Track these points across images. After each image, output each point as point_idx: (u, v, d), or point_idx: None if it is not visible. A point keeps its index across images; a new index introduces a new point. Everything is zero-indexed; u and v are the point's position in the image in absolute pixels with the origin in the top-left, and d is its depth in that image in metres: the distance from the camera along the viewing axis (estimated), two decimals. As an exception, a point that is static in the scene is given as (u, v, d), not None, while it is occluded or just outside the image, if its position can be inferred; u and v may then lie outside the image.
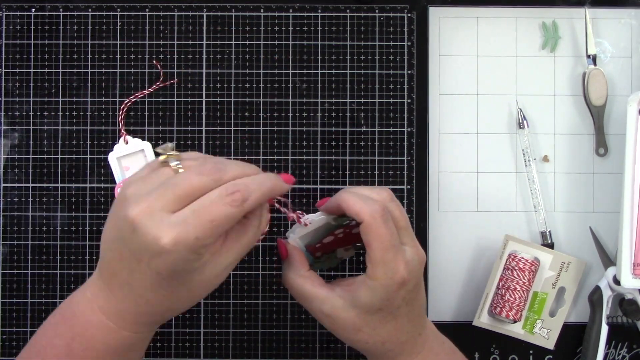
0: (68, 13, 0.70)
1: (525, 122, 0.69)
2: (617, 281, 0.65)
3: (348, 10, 0.70)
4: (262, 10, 0.70)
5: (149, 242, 0.44)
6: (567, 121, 0.70)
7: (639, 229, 0.64)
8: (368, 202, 0.51)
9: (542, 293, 0.68)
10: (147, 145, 0.69)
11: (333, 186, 0.69)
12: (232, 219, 0.46)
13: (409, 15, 0.70)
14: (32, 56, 0.69)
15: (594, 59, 0.69)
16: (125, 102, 0.69)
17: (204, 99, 0.69)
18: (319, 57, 0.69)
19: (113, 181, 0.69)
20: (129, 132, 0.69)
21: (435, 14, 0.70)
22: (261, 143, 0.69)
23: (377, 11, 0.70)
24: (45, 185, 0.69)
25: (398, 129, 0.69)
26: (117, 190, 0.68)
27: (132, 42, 0.70)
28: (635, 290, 0.66)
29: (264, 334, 0.69)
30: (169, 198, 0.45)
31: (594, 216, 0.69)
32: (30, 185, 0.69)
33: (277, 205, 0.54)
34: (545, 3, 0.70)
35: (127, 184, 0.48)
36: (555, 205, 0.69)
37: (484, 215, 0.69)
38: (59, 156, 0.69)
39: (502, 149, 0.69)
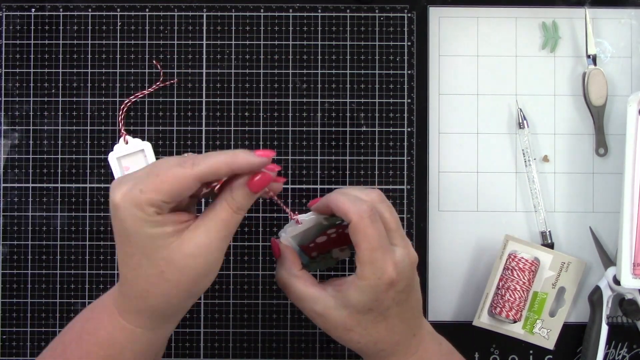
0: (68, 13, 0.70)
1: (525, 122, 0.69)
2: (617, 281, 0.65)
3: (348, 10, 0.70)
4: (262, 10, 0.70)
5: (110, 201, 0.47)
6: (567, 121, 0.70)
7: (639, 229, 0.64)
8: (356, 203, 0.51)
9: (542, 293, 0.68)
10: (147, 145, 0.69)
11: (333, 186, 0.69)
12: (180, 179, 0.46)
13: (409, 15, 0.70)
14: (32, 56, 0.69)
15: (594, 59, 0.69)
16: (125, 102, 0.69)
17: (204, 99, 0.69)
18: (319, 57, 0.69)
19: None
20: (129, 132, 0.69)
21: (435, 14, 0.70)
22: (261, 143, 0.69)
23: (377, 11, 0.70)
24: (45, 185, 0.69)
25: (398, 129, 0.69)
26: (117, 190, 0.68)
27: (132, 42, 0.70)
28: (635, 290, 0.66)
29: (264, 334, 0.69)
30: (143, 170, 0.48)
31: (594, 216, 0.69)
32: (30, 185, 0.69)
33: (273, 197, 0.54)
34: (545, 3, 0.70)
35: None
36: (555, 205, 0.69)
37: (484, 215, 0.69)
38: (59, 156, 0.69)
39: (502, 149, 0.69)
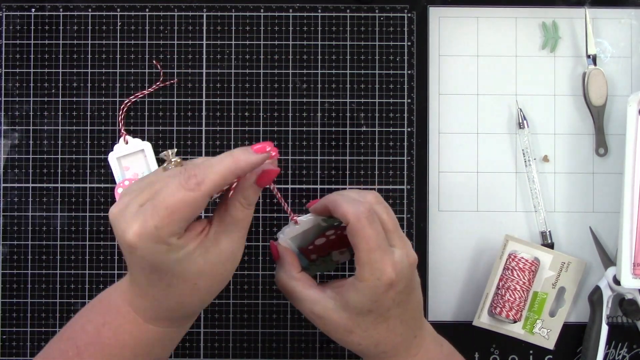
0: (68, 13, 0.70)
1: (525, 122, 0.69)
2: (617, 281, 0.65)
3: (348, 10, 0.70)
4: (262, 10, 0.70)
5: (120, 237, 0.46)
6: (567, 121, 0.70)
7: (639, 229, 0.64)
8: (354, 204, 0.51)
9: (542, 293, 0.68)
10: (147, 145, 0.69)
11: (333, 186, 0.69)
12: (190, 204, 0.45)
13: (409, 15, 0.70)
14: (32, 56, 0.69)
15: (594, 59, 0.69)
16: (125, 102, 0.69)
17: (204, 99, 0.69)
18: (319, 57, 0.69)
19: (113, 181, 0.69)
20: (129, 132, 0.69)
21: (435, 14, 0.70)
22: (261, 143, 0.69)
23: (377, 11, 0.70)
24: (45, 185, 0.69)
25: (398, 129, 0.69)
26: (118, 191, 0.68)
27: (132, 42, 0.70)
28: (635, 290, 0.66)
29: (264, 334, 0.69)
30: (143, 196, 0.46)
31: (594, 216, 0.69)
32: (30, 185, 0.69)
33: (273, 190, 0.55)
34: (545, 3, 0.70)
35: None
36: (555, 205, 0.69)
37: (484, 215, 0.69)
38: (59, 156, 0.69)
39: (502, 149, 0.69)
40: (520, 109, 0.69)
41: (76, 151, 0.69)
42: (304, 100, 0.69)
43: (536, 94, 0.70)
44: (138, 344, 0.51)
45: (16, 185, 0.69)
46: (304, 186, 0.69)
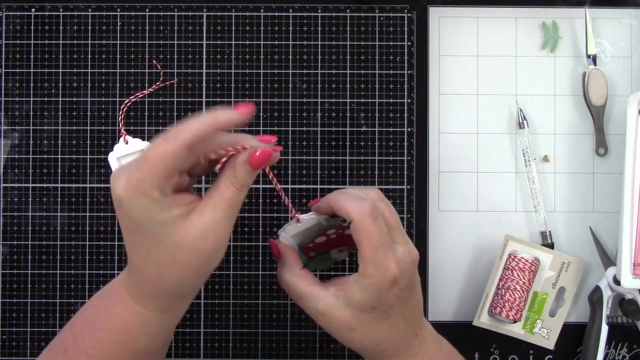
0: (68, 13, 0.70)
1: (525, 122, 0.69)
2: (617, 281, 0.65)
3: (348, 10, 0.70)
4: (262, 10, 0.70)
5: (112, 194, 0.47)
6: (567, 121, 0.70)
7: (639, 229, 0.64)
8: (357, 201, 0.51)
9: (542, 293, 0.68)
10: (147, 145, 0.69)
11: (333, 186, 0.69)
12: (169, 154, 0.46)
13: (409, 15, 0.70)
14: (32, 56, 0.69)
15: (594, 59, 0.69)
16: (125, 102, 0.69)
17: (204, 99, 0.69)
18: (319, 57, 0.69)
19: (113, 181, 0.69)
20: (129, 132, 0.69)
21: (435, 14, 0.70)
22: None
23: (377, 11, 0.70)
24: (45, 185, 0.69)
25: (398, 129, 0.69)
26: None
27: (132, 42, 0.70)
28: (635, 290, 0.66)
29: (264, 334, 0.69)
30: (134, 164, 0.48)
31: (594, 216, 0.69)
32: (30, 185, 0.69)
33: (269, 174, 0.54)
34: (545, 3, 0.70)
35: None
36: (555, 205, 0.69)
37: (484, 215, 0.69)
38: (59, 156, 0.69)
39: (502, 149, 0.69)
40: (520, 109, 0.69)
41: (76, 151, 0.69)
42: (304, 100, 0.69)
43: (536, 94, 0.70)
44: (126, 328, 0.51)
45: (16, 185, 0.69)
46: (304, 186, 0.69)
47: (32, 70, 0.69)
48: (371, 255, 0.50)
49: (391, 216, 0.53)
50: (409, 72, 0.70)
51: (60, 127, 0.69)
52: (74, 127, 0.69)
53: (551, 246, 0.68)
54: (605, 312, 0.66)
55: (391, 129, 0.69)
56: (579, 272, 0.68)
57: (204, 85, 0.69)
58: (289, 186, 0.69)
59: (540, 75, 0.70)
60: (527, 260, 0.66)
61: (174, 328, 0.55)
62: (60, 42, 0.70)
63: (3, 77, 0.69)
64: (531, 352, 0.69)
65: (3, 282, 0.69)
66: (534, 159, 0.69)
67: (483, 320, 0.68)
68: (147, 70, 0.69)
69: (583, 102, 0.69)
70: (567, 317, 0.68)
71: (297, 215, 0.56)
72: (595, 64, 0.69)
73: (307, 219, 0.56)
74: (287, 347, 0.69)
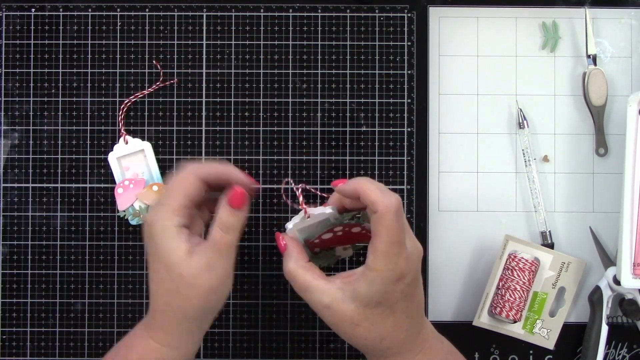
0: (68, 13, 0.70)
1: (525, 122, 0.69)
2: (617, 281, 0.65)
3: (348, 10, 0.70)
4: (262, 10, 0.70)
5: (144, 224, 0.54)
6: (567, 121, 0.70)
7: (639, 229, 0.64)
8: (385, 194, 0.52)
9: (542, 293, 0.68)
10: (147, 145, 0.69)
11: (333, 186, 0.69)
12: (184, 180, 0.54)
13: (409, 15, 0.70)
14: (32, 56, 0.69)
15: (594, 59, 0.69)
16: (125, 102, 0.69)
17: (204, 99, 0.69)
18: (319, 57, 0.69)
19: (113, 181, 0.69)
20: (129, 132, 0.69)
21: (435, 14, 0.70)
22: (261, 143, 0.69)
23: (377, 11, 0.70)
24: (45, 185, 0.69)
25: (398, 129, 0.69)
26: (117, 191, 0.68)
27: (132, 42, 0.70)
28: (635, 290, 0.66)
29: (264, 334, 0.69)
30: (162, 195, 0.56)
31: (594, 216, 0.69)
32: (30, 185, 0.69)
33: (290, 183, 0.55)
34: (545, 3, 0.70)
35: None
36: (555, 205, 0.69)
37: (484, 215, 0.69)
38: (59, 156, 0.69)
39: (502, 149, 0.69)
40: (520, 109, 0.69)
41: (76, 151, 0.69)
42: (304, 100, 0.69)
43: (536, 94, 0.70)
44: None
45: (16, 185, 0.69)
46: (304, 186, 0.69)
47: (32, 70, 0.69)
48: (386, 249, 0.51)
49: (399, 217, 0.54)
50: (409, 72, 0.70)
51: (60, 127, 0.69)
52: (74, 127, 0.69)
53: (551, 246, 0.68)
54: (605, 312, 0.66)
55: (391, 129, 0.69)
56: (579, 272, 0.68)
57: (204, 85, 0.69)
58: (289, 186, 0.69)
59: (540, 75, 0.70)
60: (527, 260, 0.66)
61: None
62: (60, 42, 0.70)
63: (3, 77, 0.69)
64: (531, 352, 0.69)
65: (3, 282, 0.69)
66: (534, 159, 0.69)
67: (483, 320, 0.68)
68: (147, 70, 0.69)
69: (583, 102, 0.69)
70: (567, 317, 0.68)
71: (305, 209, 0.55)
72: (595, 64, 0.69)
73: (316, 214, 0.56)
74: (287, 347, 0.69)
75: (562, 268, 0.67)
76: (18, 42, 0.69)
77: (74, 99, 0.69)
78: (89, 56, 0.69)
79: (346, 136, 0.69)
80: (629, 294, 0.66)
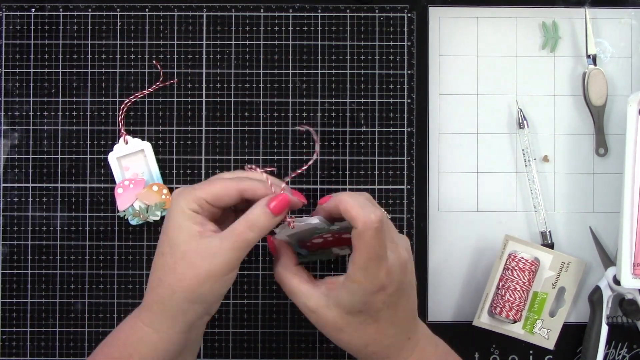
0: (68, 13, 0.70)
1: (525, 122, 0.69)
2: (617, 281, 0.65)
3: (348, 10, 0.70)
4: (262, 10, 0.70)
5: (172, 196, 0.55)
6: (567, 121, 0.70)
7: (639, 229, 0.64)
8: (366, 210, 0.51)
9: (542, 293, 0.68)
10: (147, 145, 0.69)
11: (333, 186, 0.69)
12: (226, 186, 0.53)
13: (409, 15, 0.70)
14: (32, 56, 0.69)
15: (594, 59, 0.69)
16: (125, 102, 0.69)
17: (204, 99, 0.69)
18: (319, 57, 0.69)
19: (113, 181, 0.69)
20: (129, 132, 0.69)
21: (435, 14, 0.70)
22: (261, 143, 0.69)
23: (377, 11, 0.70)
24: (45, 185, 0.69)
25: (398, 129, 0.69)
26: (117, 191, 0.68)
27: (132, 42, 0.70)
28: (635, 290, 0.66)
29: (264, 334, 0.69)
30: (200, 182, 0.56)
31: (594, 216, 0.69)
32: (30, 185, 0.69)
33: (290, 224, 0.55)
34: (545, 3, 0.70)
35: None
36: (555, 205, 0.69)
37: (484, 215, 0.69)
38: (59, 156, 0.69)
39: (502, 149, 0.69)
40: (520, 109, 0.69)
41: (76, 151, 0.69)
42: (304, 100, 0.69)
43: (536, 94, 0.70)
44: (126, 343, 0.54)
45: (16, 185, 0.69)
46: (304, 186, 0.69)
47: (32, 70, 0.69)
48: (364, 263, 0.50)
49: (380, 218, 0.53)
50: (409, 72, 0.70)
51: (60, 127, 0.69)
52: (74, 127, 0.69)
53: (551, 246, 0.68)
54: (605, 312, 0.66)
55: (391, 129, 0.69)
56: (579, 272, 0.68)
57: (204, 85, 0.69)
58: (289, 186, 0.68)
59: (540, 75, 0.70)
60: (527, 260, 0.66)
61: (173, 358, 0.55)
62: (60, 42, 0.70)
63: (3, 77, 0.69)
64: (531, 352, 0.69)
65: (3, 282, 0.69)
66: (534, 159, 0.69)
67: (483, 320, 0.68)
68: (147, 70, 0.69)
69: (583, 102, 0.69)
70: (567, 317, 0.68)
71: (289, 221, 0.55)
72: (595, 64, 0.69)
73: (301, 225, 0.55)
74: (287, 347, 0.69)
75: (562, 268, 0.67)
76: (18, 42, 0.69)
77: (74, 99, 0.69)
78: (89, 56, 0.69)
79: (346, 136, 0.69)
80: (629, 294, 0.66)
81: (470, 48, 0.70)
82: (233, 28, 0.70)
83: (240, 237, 0.52)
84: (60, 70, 0.69)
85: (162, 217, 0.68)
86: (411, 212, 0.69)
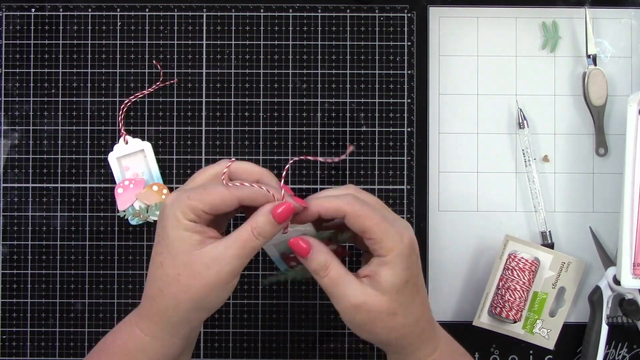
0: (68, 13, 0.70)
1: (525, 122, 0.69)
2: (617, 281, 0.65)
3: (348, 10, 0.70)
4: (262, 10, 0.70)
5: (162, 205, 0.53)
6: (567, 121, 0.70)
7: (639, 229, 0.64)
8: (340, 197, 0.52)
9: (542, 293, 0.68)
10: (147, 145, 0.69)
11: (333, 186, 0.69)
12: (223, 196, 0.51)
13: (409, 15, 0.70)
14: (32, 56, 0.69)
15: (594, 59, 0.69)
16: (125, 102, 0.69)
17: (204, 99, 0.69)
18: (319, 57, 0.69)
19: (113, 181, 0.69)
20: (129, 132, 0.69)
21: (435, 14, 0.70)
22: (261, 143, 0.69)
23: (377, 11, 0.70)
24: (45, 185, 0.69)
25: (398, 129, 0.69)
26: (117, 191, 0.68)
27: (132, 42, 0.70)
28: (635, 290, 0.66)
29: (264, 334, 0.69)
30: (193, 187, 0.53)
31: (594, 216, 0.69)
32: (30, 185, 0.69)
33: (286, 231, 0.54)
34: (545, 3, 0.70)
35: None
36: (555, 205, 0.69)
37: (484, 215, 0.69)
38: (59, 156, 0.69)
39: (502, 149, 0.69)
40: (520, 109, 0.69)
41: (76, 151, 0.69)
42: (304, 100, 0.69)
43: (536, 94, 0.70)
44: (124, 351, 0.53)
45: (16, 185, 0.69)
46: (304, 186, 0.69)
47: (32, 70, 0.69)
48: (380, 231, 0.51)
49: (374, 201, 0.54)
50: (409, 72, 0.70)
51: (60, 127, 0.69)
52: (74, 127, 0.69)
53: (551, 246, 0.68)
54: (605, 312, 0.66)
55: (391, 129, 0.69)
56: (579, 272, 0.68)
57: (204, 85, 0.69)
58: (289, 186, 0.69)
59: (540, 75, 0.70)
60: (527, 260, 0.66)
61: None
62: (60, 42, 0.70)
63: (3, 77, 0.69)
64: (531, 352, 0.69)
65: (3, 282, 0.69)
66: (534, 159, 0.69)
67: (483, 320, 0.68)
68: (147, 70, 0.69)
69: (583, 102, 0.69)
70: (567, 317, 0.68)
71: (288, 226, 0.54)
72: (595, 64, 0.69)
73: (293, 230, 0.55)
74: (287, 347, 0.69)
75: (562, 268, 0.67)
76: (18, 42, 0.69)
77: (74, 99, 0.69)
78: (89, 56, 0.69)
79: (346, 136, 0.69)
80: (629, 294, 0.66)
81: (470, 48, 0.70)
82: (233, 28, 0.70)
83: (245, 244, 0.51)
84: (60, 70, 0.69)
85: (162, 217, 0.68)
86: (411, 212, 0.69)
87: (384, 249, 0.51)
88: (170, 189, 0.68)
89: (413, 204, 0.69)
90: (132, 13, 0.70)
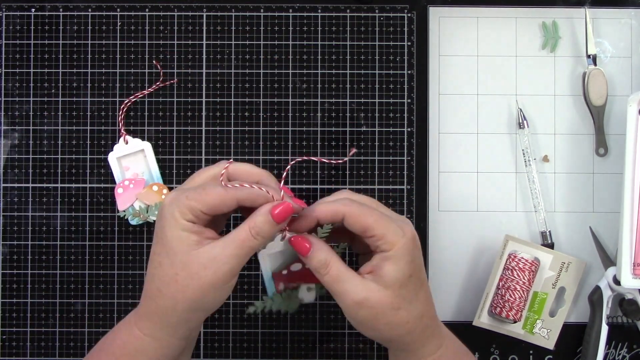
0: (68, 13, 0.70)
1: (525, 122, 0.69)
2: (617, 281, 0.65)
3: (348, 10, 0.70)
4: (262, 10, 0.70)
5: (161, 205, 0.53)
6: (567, 121, 0.70)
7: (639, 229, 0.64)
8: (337, 201, 0.53)
9: (542, 293, 0.68)
10: (147, 145, 0.69)
11: (333, 186, 0.69)
12: (222, 196, 0.51)
13: (409, 15, 0.70)
14: (32, 56, 0.69)
15: (594, 59, 0.69)
16: (125, 102, 0.69)
17: (204, 99, 0.69)
18: (319, 57, 0.69)
19: (113, 181, 0.69)
20: (129, 132, 0.69)
21: (435, 14, 0.70)
22: (261, 143, 0.69)
23: (377, 11, 0.70)
24: (45, 185, 0.69)
25: (398, 129, 0.69)
26: (118, 191, 0.68)
27: (132, 42, 0.70)
28: (635, 290, 0.66)
29: (264, 334, 0.69)
30: (191, 187, 0.53)
31: (594, 216, 0.69)
32: (30, 185, 0.69)
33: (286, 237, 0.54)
34: (545, 3, 0.70)
35: None
36: (555, 205, 0.69)
37: (484, 215, 0.69)
38: (59, 156, 0.69)
39: (502, 149, 0.69)
40: (520, 109, 0.69)
41: (76, 151, 0.69)
42: (304, 100, 0.69)
43: (536, 94, 0.70)
44: (123, 351, 0.53)
45: (16, 185, 0.69)
46: (304, 186, 0.69)
47: (32, 70, 0.69)
48: (381, 227, 0.51)
49: (371, 201, 0.55)
50: (409, 72, 0.70)
51: (60, 127, 0.69)
52: (74, 127, 0.69)
53: (551, 246, 0.68)
54: (605, 312, 0.66)
55: (391, 129, 0.69)
56: (579, 272, 0.68)
57: (204, 85, 0.69)
58: (289, 186, 0.69)
59: (540, 75, 0.70)
60: (527, 260, 0.66)
61: None
62: (60, 42, 0.70)
63: (3, 77, 0.69)
64: (531, 352, 0.69)
65: (3, 282, 0.69)
66: (534, 159, 0.69)
67: (483, 320, 0.68)
68: (147, 70, 0.69)
69: (583, 102, 0.69)
70: (567, 317, 0.68)
71: (286, 232, 0.54)
72: (595, 64, 0.69)
73: (286, 248, 0.55)
74: (287, 347, 0.69)
75: (562, 268, 0.67)
76: (18, 42, 0.69)
77: (74, 99, 0.69)
78: (89, 56, 0.69)
79: (346, 136, 0.69)
80: (629, 294, 0.66)
81: (470, 48, 0.70)
82: (233, 28, 0.70)
83: (243, 244, 0.51)
84: (60, 70, 0.69)
85: (162, 217, 0.68)
86: (411, 212, 0.69)
87: (387, 243, 0.51)
88: (170, 189, 0.68)
89: (413, 204, 0.69)
90: (132, 13, 0.70)
